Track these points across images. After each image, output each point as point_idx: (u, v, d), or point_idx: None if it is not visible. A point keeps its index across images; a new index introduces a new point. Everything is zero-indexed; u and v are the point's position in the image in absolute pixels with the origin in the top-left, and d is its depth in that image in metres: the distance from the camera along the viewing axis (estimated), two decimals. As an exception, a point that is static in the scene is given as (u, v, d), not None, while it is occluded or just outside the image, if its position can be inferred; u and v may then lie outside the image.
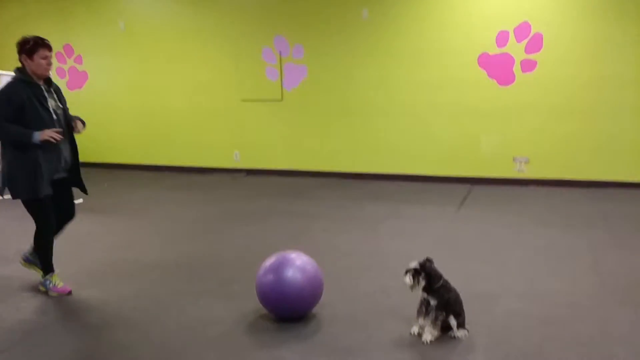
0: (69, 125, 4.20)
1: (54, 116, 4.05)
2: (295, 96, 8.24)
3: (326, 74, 8.02)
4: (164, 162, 9.17)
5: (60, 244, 5.48)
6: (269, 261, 3.77)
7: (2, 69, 8.43)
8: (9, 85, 3.93)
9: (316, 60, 8.02)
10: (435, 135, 7.73)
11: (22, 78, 3.93)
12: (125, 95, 9.17)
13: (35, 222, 4.18)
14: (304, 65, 8.09)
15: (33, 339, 3.54)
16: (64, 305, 4.03)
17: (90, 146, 9.48)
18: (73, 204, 4.47)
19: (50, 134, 3.89)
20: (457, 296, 3.49)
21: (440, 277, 3.46)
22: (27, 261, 4.43)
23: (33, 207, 4.10)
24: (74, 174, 4.37)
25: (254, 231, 5.75)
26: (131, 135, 9.29)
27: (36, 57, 3.92)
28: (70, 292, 4.22)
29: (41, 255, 4.27)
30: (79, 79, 9.36)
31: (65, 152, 4.23)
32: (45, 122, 3.95)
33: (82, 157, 9.57)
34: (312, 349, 3.34)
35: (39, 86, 3.97)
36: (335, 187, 7.73)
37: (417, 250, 5.02)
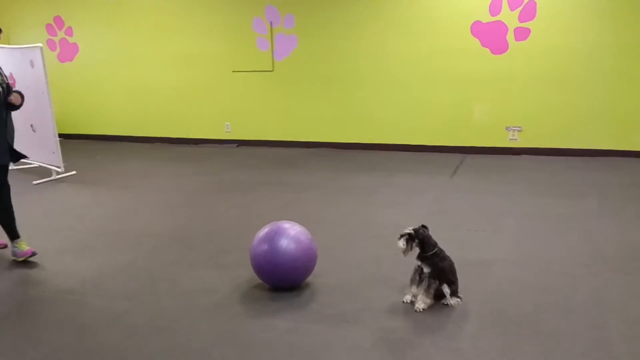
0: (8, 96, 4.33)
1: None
2: (286, 66, 8.16)
3: (317, 44, 7.94)
4: (155, 134, 9.10)
5: (55, 215, 5.49)
6: (263, 231, 3.79)
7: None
8: None
9: (307, 30, 7.93)
10: (428, 104, 7.71)
11: None
12: (116, 67, 9.05)
13: None
14: (295, 35, 7.99)
15: (28, 309, 3.55)
16: (59, 277, 4.04)
17: (82, 118, 9.40)
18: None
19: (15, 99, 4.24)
20: (451, 265, 3.52)
21: (434, 244, 3.48)
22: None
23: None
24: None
25: (246, 202, 5.76)
26: (122, 107, 9.20)
27: None
28: (34, 253, 4.33)
29: (4, 223, 4.43)
30: (69, 51, 9.22)
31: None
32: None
33: (74, 129, 9.55)
34: (305, 317, 3.38)
35: None
36: (327, 157, 7.72)
37: (410, 219, 5.03)
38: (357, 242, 4.57)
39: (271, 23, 8.06)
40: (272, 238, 3.68)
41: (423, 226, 3.49)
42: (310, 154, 7.96)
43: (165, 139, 9.05)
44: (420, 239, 3.43)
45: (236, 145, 8.65)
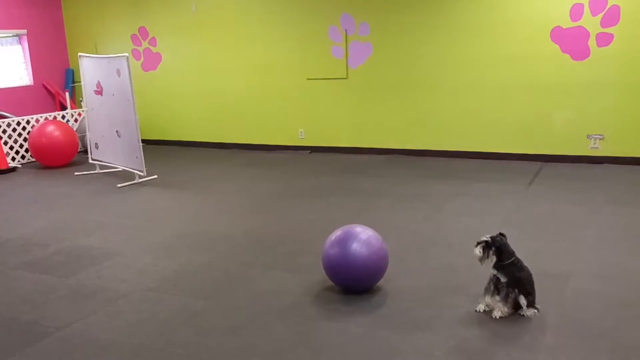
0: None
1: None
2: (361, 74, 8.18)
3: (392, 51, 7.92)
4: (231, 140, 9.35)
5: (137, 217, 5.75)
6: (335, 234, 3.83)
7: (81, 51, 8.82)
8: None
9: (382, 38, 7.93)
10: (505, 111, 7.51)
11: None
12: (196, 76, 9.39)
13: None
14: (370, 43, 8.01)
15: (114, 305, 3.75)
16: (141, 275, 4.24)
17: (163, 125, 9.81)
18: None
19: None
20: (529, 275, 3.43)
21: (511, 253, 3.40)
22: None
23: None
24: None
25: (319, 207, 5.81)
26: (201, 114, 9.52)
27: None
28: None
29: None
30: (153, 60, 9.66)
31: None
32: None
33: (156, 135, 9.97)
34: (377, 323, 3.38)
35: None
36: (400, 164, 7.67)
37: (485, 228, 4.94)
38: (430, 250, 4.52)
39: (346, 31, 8.12)
40: (343, 241, 3.71)
41: (501, 234, 3.42)
42: (383, 160, 7.94)
43: (240, 145, 9.28)
44: (497, 247, 3.36)
45: (309, 151, 8.76)
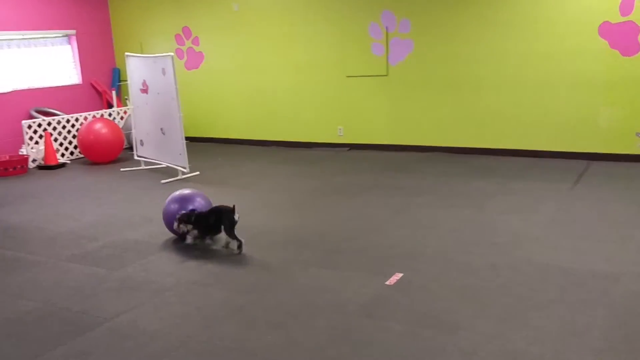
0: None
1: None
2: (401, 71, 8.14)
3: (433, 48, 7.85)
4: (271, 138, 9.44)
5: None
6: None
7: (127, 51, 9.03)
8: None
9: (423, 34, 7.86)
10: (549, 108, 7.35)
11: None
12: (237, 74, 9.50)
13: None
14: (410, 40, 7.96)
15: (160, 297, 3.84)
16: (186, 268, 4.33)
17: (205, 122, 9.97)
18: None
19: None
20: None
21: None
22: None
23: None
24: None
25: (358, 205, 5.82)
26: (241, 112, 9.63)
27: None
28: None
29: None
30: (195, 59, 9.82)
31: None
32: None
33: (198, 133, 10.11)
34: (419, 321, 3.37)
35: None
36: (440, 162, 7.60)
37: (528, 228, 4.87)
38: (472, 249, 4.48)
39: (387, 28, 8.09)
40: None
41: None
42: (423, 158, 7.88)
43: (279, 142, 9.35)
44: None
45: (348, 149, 8.76)
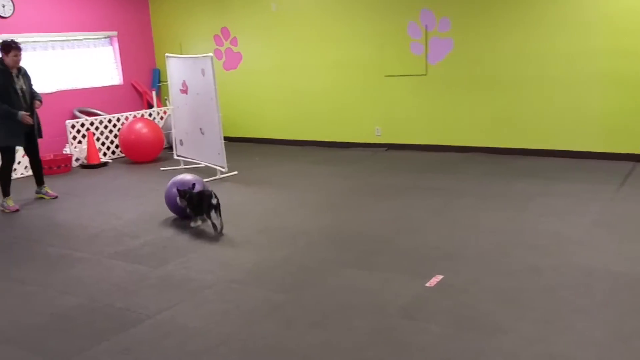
0: (32, 99, 6.22)
1: (20, 93, 6.07)
2: (440, 70, 8.05)
3: (474, 46, 7.74)
4: (308, 137, 9.45)
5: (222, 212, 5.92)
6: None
7: (167, 52, 9.18)
8: None
9: (463, 33, 7.76)
10: (594, 108, 7.16)
11: (1, 67, 5.94)
12: (274, 74, 9.55)
13: (3, 161, 6.27)
14: (450, 39, 7.86)
15: (200, 295, 3.89)
16: (225, 267, 4.38)
17: (243, 122, 10.06)
18: (38, 152, 6.60)
19: (26, 119, 6.05)
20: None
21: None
22: (37, 193, 6.74)
23: (6, 151, 6.20)
24: (37, 129, 6.35)
25: (396, 206, 5.78)
26: (279, 112, 9.68)
27: (9, 55, 5.93)
28: (18, 210, 6.28)
29: (3, 184, 6.30)
30: (234, 59, 9.92)
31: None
32: (13, 97, 5.99)
33: (236, 133, 10.17)
34: (460, 323, 3.33)
35: (10, 73, 6.00)
36: (480, 162, 7.49)
37: (571, 230, 4.76)
38: (513, 251, 4.40)
39: (426, 27, 8.02)
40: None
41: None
42: (462, 158, 7.78)
43: (317, 142, 9.37)
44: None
45: (386, 149, 8.72)
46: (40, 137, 6.50)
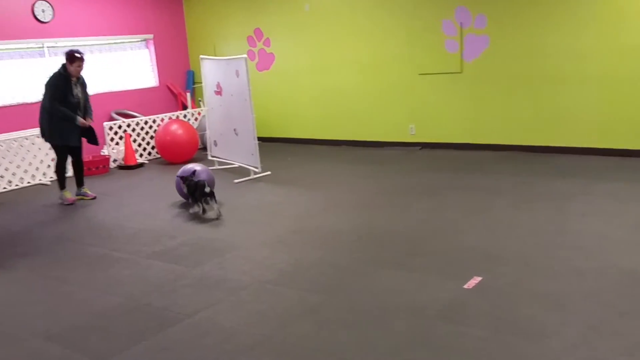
0: (86, 108, 6.67)
1: (76, 99, 6.47)
2: (476, 68, 7.93)
3: (510, 43, 7.59)
4: (341, 137, 9.43)
5: (254, 211, 5.96)
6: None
7: (201, 53, 9.27)
8: (56, 77, 6.33)
9: (500, 29, 7.62)
10: (636, 105, 6.93)
11: (63, 73, 6.34)
12: (307, 74, 9.56)
13: (58, 158, 6.76)
14: (486, 36, 7.73)
15: (236, 295, 3.91)
16: (260, 267, 4.38)
17: (276, 123, 10.09)
18: (81, 154, 6.94)
19: (84, 123, 6.52)
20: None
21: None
22: (77, 195, 6.95)
23: (60, 149, 6.69)
24: (90, 132, 6.73)
25: (432, 206, 5.71)
26: (311, 112, 9.68)
27: (73, 65, 6.33)
28: (74, 202, 6.78)
29: (59, 178, 6.80)
30: (267, 60, 9.96)
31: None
32: (72, 102, 6.42)
33: (269, 133, 10.21)
34: (501, 327, 3.26)
35: (71, 80, 6.39)
36: (518, 161, 7.35)
37: (615, 231, 4.62)
38: (555, 252, 4.29)
39: (461, 24, 7.90)
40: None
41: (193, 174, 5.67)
42: (499, 157, 7.65)
43: (350, 141, 9.34)
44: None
45: (420, 148, 8.63)
46: (97, 144, 6.93)
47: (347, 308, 3.62)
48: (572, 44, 7.19)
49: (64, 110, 6.38)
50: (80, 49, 6.58)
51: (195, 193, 5.73)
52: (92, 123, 6.71)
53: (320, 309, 3.64)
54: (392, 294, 3.77)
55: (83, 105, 6.61)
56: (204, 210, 5.75)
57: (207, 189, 5.64)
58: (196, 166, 6.25)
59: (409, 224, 5.20)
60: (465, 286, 3.79)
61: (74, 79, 6.44)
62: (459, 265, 4.17)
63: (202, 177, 5.96)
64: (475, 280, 3.87)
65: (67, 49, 6.51)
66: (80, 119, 6.50)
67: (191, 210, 5.88)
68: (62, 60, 6.40)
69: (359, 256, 4.51)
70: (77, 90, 6.50)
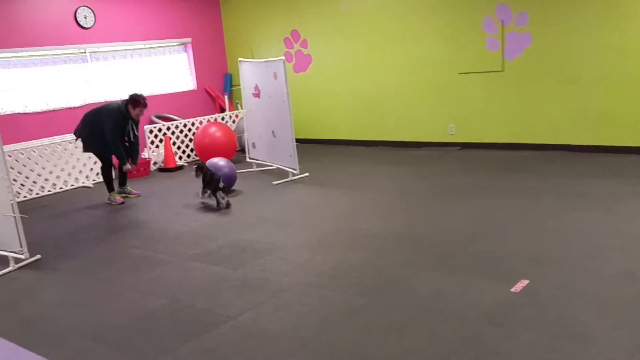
0: (134, 146, 7.01)
1: (126, 135, 6.86)
2: (518, 66, 7.76)
3: (553, 41, 7.40)
4: (379, 138, 9.36)
5: (292, 213, 5.96)
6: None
7: (239, 56, 9.34)
8: (117, 115, 6.66)
9: (542, 27, 7.44)
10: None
11: (124, 113, 6.68)
12: (344, 75, 9.52)
13: (103, 163, 7.05)
14: (529, 33, 7.56)
15: (278, 297, 3.90)
16: (302, 269, 4.37)
17: (313, 124, 10.09)
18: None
19: (128, 169, 6.97)
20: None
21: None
22: (120, 193, 7.16)
23: (103, 157, 7.00)
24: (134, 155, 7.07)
25: (472, 207, 5.60)
26: (349, 113, 9.64)
27: (135, 109, 6.69)
28: (122, 202, 6.99)
29: (106, 182, 7.05)
30: (303, 62, 9.97)
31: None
32: (120, 137, 6.75)
33: (306, 134, 10.19)
34: (549, 331, 3.17)
35: (127, 121, 6.75)
36: (561, 161, 7.17)
37: (667, 232, 4.46)
38: (603, 255, 4.16)
39: (502, 22, 7.75)
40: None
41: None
42: (542, 157, 7.47)
43: (388, 142, 9.26)
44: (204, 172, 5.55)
45: (459, 148, 8.50)
46: (135, 164, 7.13)
47: (390, 311, 3.58)
48: (617, 41, 6.98)
49: (121, 150, 6.78)
50: (143, 95, 6.85)
51: (211, 184, 6.28)
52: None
53: (364, 312, 3.60)
54: (437, 297, 3.71)
55: (130, 140, 6.93)
56: (218, 202, 6.25)
57: (221, 185, 6.24)
58: (221, 161, 6.86)
59: (451, 226, 5.12)
60: (512, 289, 3.71)
61: (130, 120, 6.79)
62: (504, 268, 4.07)
63: (225, 171, 6.64)
64: (522, 284, 3.77)
65: (132, 93, 6.78)
66: (127, 166, 6.91)
67: (200, 197, 6.53)
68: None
69: (401, 258, 4.45)
70: (128, 128, 6.82)
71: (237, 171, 8.29)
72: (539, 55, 7.57)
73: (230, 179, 6.91)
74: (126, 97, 6.76)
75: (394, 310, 3.58)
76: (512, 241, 4.59)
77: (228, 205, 6.28)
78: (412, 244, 4.76)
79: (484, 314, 3.43)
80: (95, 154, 7.09)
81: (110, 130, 6.65)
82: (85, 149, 6.97)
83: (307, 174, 7.56)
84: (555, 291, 3.64)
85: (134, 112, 6.71)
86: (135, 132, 6.92)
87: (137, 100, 6.68)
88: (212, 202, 6.39)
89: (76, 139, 6.98)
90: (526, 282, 3.79)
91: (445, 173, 7.10)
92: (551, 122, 7.68)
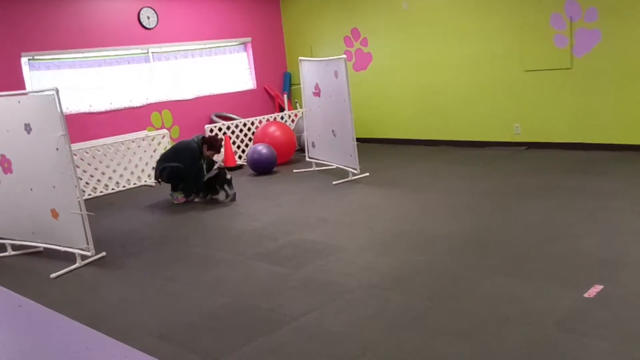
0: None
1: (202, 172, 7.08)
2: (587, 63, 7.44)
3: (624, 37, 7.05)
4: (441, 137, 9.18)
5: (353, 213, 5.90)
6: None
7: (298, 55, 9.35)
8: (196, 153, 6.94)
9: (613, 23, 7.10)
10: None
11: (200, 151, 6.99)
12: (405, 73, 9.39)
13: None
14: (598, 29, 7.23)
15: (341, 299, 3.86)
16: (365, 271, 4.31)
17: (373, 123, 10.00)
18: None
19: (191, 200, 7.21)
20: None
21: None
22: (171, 195, 7.23)
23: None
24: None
25: (542, 208, 5.39)
26: (410, 111, 9.50)
27: (209, 151, 7.04)
28: (186, 201, 7.14)
29: (171, 184, 7.17)
30: (364, 60, 9.90)
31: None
32: (199, 175, 7.01)
33: (366, 134, 10.11)
34: (625, 338, 3.00)
35: (202, 159, 7.04)
36: (634, 162, 6.81)
37: None
38: (686, 261, 3.92)
39: (571, 18, 7.44)
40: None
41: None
42: (613, 157, 7.13)
43: (450, 141, 9.07)
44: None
45: (526, 147, 8.23)
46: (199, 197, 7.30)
47: (457, 316, 3.47)
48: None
49: (199, 185, 7.04)
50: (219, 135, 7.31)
51: (218, 178, 6.76)
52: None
53: (430, 316, 3.51)
54: (506, 302, 3.58)
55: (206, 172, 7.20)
56: (227, 195, 6.80)
57: (228, 176, 6.78)
58: (259, 146, 8.01)
59: (518, 228, 4.94)
60: (586, 295, 3.54)
61: (204, 158, 7.09)
62: (576, 272, 3.89)
63: (264, 152, 7.91)
64: (596, 289, 3.59)
65: (209, 135, 7.06)
66: (193, 197, 7.17)
67: (195, 199, 7.12)
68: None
69: (467, 261, 4.33)
70: (204, 165, 7.13)
71: (296, 171, 8.36)
72: (609, 52, 7.23)
73: (270, 162, 8.10)
74: (202, 134, 7.10)
75: (461, 315, 3.48)
76: (583, 244, 4.39)
77: (234, 198, 6.77)
78: (480, 246, 4.62)
79: (556, 320, 3.28)
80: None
81: (189, 165, 6.90)
82: (162, 179, 7.10)
83: (367, 174, 7.48)
84: (632, 297, 3.45)
85: (207, 153, 7.04)
86: (204, 170, 7.10)
87: (213, 144, 7.02)
88: (221, 197, 6.97)
89: (159, 182, 7.19)
90: (600, 287, 3.61)
91: (513, 173, 6.88)
92: (622, 120, 7.33)
